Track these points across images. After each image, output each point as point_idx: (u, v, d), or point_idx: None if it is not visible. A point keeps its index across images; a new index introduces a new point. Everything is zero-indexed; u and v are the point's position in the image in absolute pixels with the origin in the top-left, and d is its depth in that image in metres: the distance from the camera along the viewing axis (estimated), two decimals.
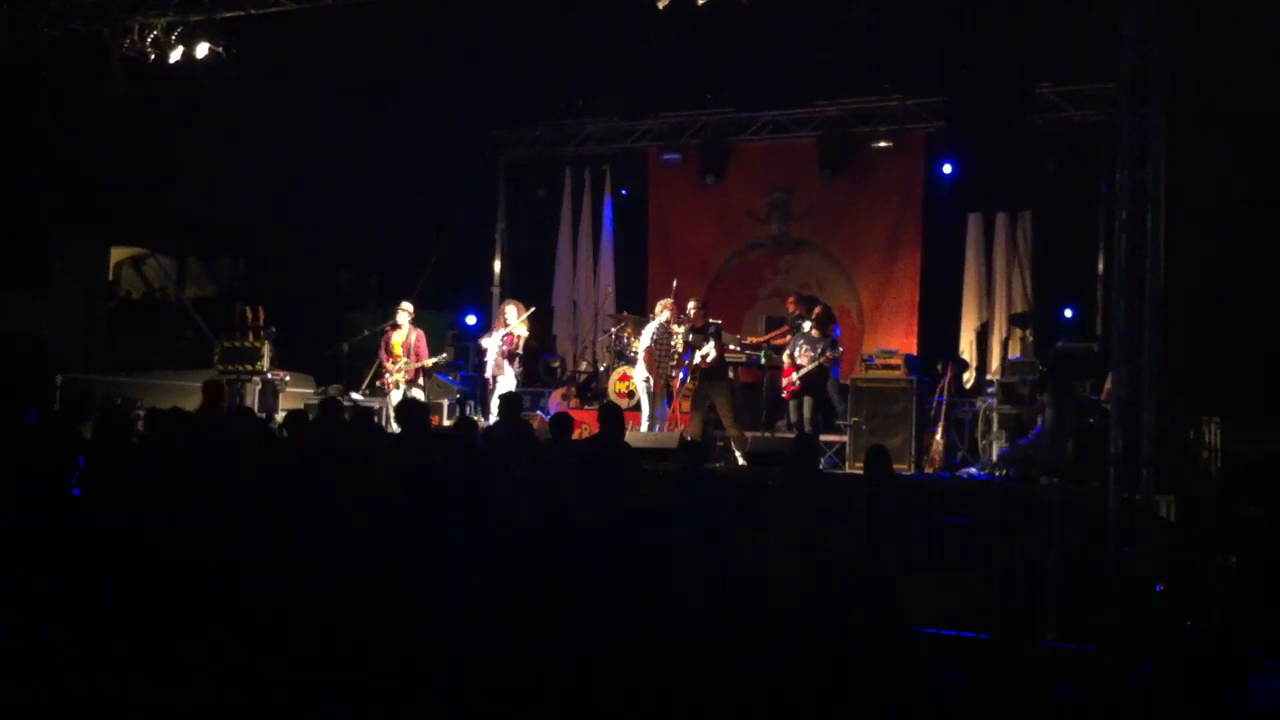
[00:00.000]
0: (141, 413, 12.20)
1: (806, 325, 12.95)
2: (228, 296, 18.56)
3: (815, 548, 8.24)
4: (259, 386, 14.10)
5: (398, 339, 13.60)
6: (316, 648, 6.96)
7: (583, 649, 7.24)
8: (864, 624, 7.76)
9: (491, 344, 13.94)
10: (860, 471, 10.09)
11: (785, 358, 12.90)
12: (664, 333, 12.84)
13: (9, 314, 15.12)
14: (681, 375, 12.79)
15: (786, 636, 7.60)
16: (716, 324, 13.01)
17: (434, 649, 7.11)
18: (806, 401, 12.65)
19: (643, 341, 13.04)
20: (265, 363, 14.13)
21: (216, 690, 6.54)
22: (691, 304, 13.08)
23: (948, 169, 15.44)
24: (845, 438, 12.83)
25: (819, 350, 12.58)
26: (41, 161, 15.13)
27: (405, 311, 13.68)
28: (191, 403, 12.20)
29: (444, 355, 14.82)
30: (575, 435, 10.02)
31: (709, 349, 12.50)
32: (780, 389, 13.12)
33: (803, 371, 12.60)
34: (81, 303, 17.01)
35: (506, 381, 13.66)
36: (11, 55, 13.93)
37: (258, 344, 14.21)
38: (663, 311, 12.99)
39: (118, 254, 19.07)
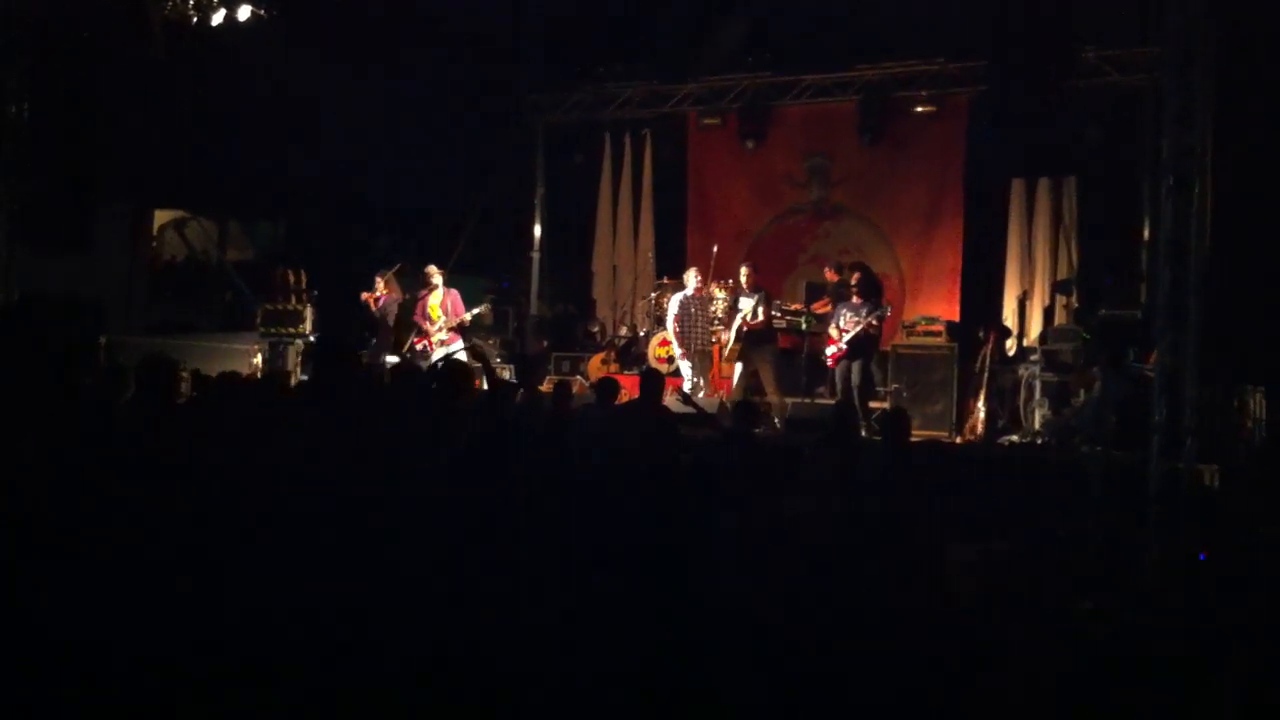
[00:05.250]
0: (185, 374, 12.28)
1: (854, 299, 12.84)
2: (268, 259, 18.66)
3: (852, 514, 8.23)
4: (301, 349, 14.20)
5: (434, 301, 13.71)
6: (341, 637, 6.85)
7: (616, 613, 7.25)
8: (902, 591, 7.75)
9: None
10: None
11: (831, 329, 12.81)
12: (690, 303, 12.83)
13: (53, 276, 15.24)
14: (729, 337, 12.79)
15: (823, 603, 7.60)
16: (764, 291, 12.99)
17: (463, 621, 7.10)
18: (855, 367, 12.55)
19: (669, 311, 13.06)
20: (307, 325, 14.23)
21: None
22: (744, 269, 13.06)
23: (989, 133, 15.29)
24: (885, 404, 12.78)
25: (863, 315, 12.52)
26: (84, 124, 15.19)
27: (436, 274, 13.80)
28: (234, 365, 12.32)
29: (484, 306, 14.82)
30: (617, 401, 10.04)
31: (756, 310, 12.49)
32: (824, 356, 13.10)
33: (848, 336, 12.51)
34: (124, 265, 17.12)
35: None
36: (54, 18, 13.97)
37: (299, 307, 14.30)
38: (690, 282, 12.99)
39: (160, 217, 19.20)
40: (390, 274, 14.88)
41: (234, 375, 9.98)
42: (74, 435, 7.74)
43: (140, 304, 17.43)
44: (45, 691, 5.92)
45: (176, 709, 5.88)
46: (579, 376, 14.82)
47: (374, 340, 14.59)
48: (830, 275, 14.47)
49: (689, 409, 10.86)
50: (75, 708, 5.83)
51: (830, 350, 12.72)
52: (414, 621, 6.90)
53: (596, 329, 16.99)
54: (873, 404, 12.89)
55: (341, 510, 7.11)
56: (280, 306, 14.36)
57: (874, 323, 12.49)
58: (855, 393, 12.45)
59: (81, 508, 7.38)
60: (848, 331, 12.51)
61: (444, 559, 7.22)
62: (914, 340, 13.33)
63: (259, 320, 14.45)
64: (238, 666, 6.38)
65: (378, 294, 14.61)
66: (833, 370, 12.84)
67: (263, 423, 7.87)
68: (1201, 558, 8.24)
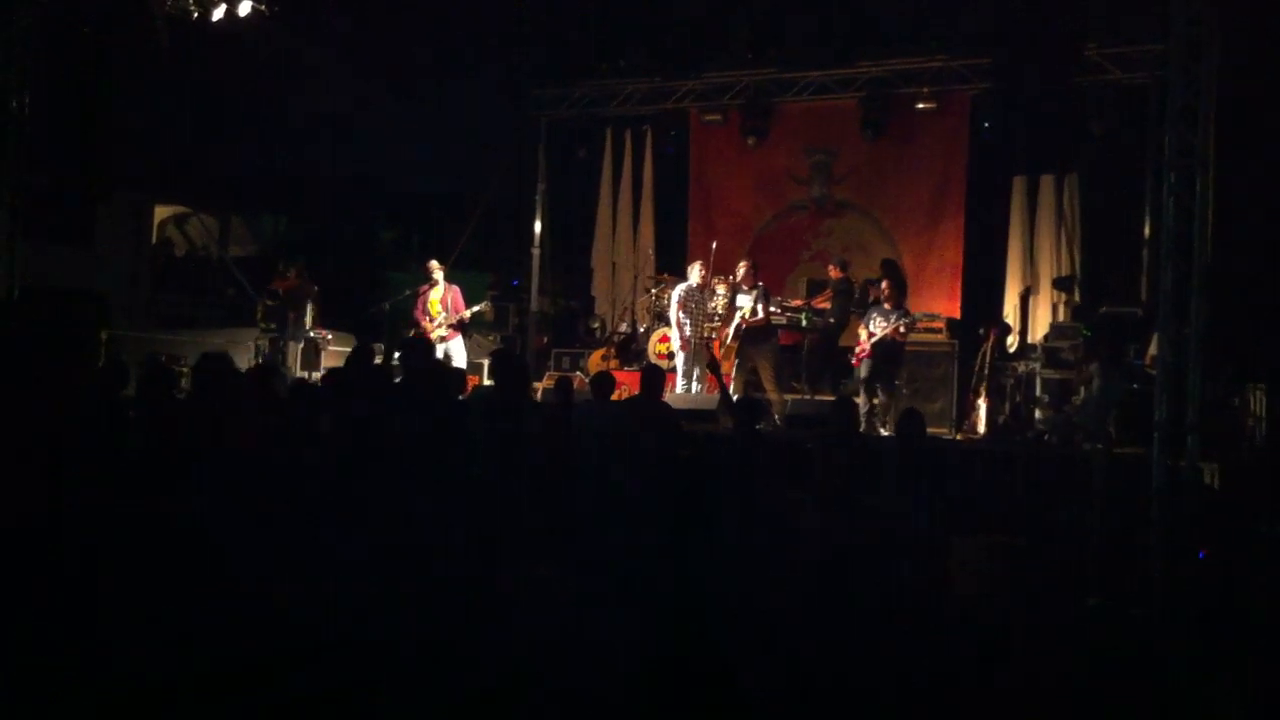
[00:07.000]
0: (185, 370, 12.31)
1: (885, 305, 12.79)
2: (271, 254, 18.67)
3: (855, 510, 8.23)
4: (301, 345, 14.20)
5: (435, 296, 13.70)
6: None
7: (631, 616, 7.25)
8: (905, 587, 7.76)
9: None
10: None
11: (861, 332, 12.74)
12: (693, 295, 12.79)
13: (55, 270, 15.25)
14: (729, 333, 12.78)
15: (827, 599, 7.60)
16: (762, 287, 12.95)
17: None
18: (883, 370, 12.53)
19: (672, 301, 13.02)
20: (308, 321, 14.21)
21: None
22: (742, 265, 13.00)
23: (991, 130, 15.29)
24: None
25: (892, 320, 12.47)
26: (86, 118, 15.19)
27: (438, 270, 13.79)
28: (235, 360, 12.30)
29: (484, 304, 14.82)
30: (615, 396, 10.03)
31: (755, 308, 12.47)
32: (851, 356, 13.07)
33: (875, 339, 12.45)
34: (126, 260, 17.13)
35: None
36: (57, 13, 13.98)
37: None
38: (693, 274, 12.96)
39: (161, 212, 19.21)
40: (302, 264, 14.89)
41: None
42: (77, 430, 7.72)
43: (143, 299, 17.44)
44: (48, 687, 5.92)
45: (178, 702, 5.89)
46: (579, 373, 14.82)
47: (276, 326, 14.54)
48: (834, 272, 14.45)
49: (687, 406, 10.87)
50: (78, 703, 5.83)
51: (857, 350, 12.72)
52: (415, 614, 6.91)
53: (597, 325, 17.00)
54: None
55: (350, 501, 7.14)
56: (281, 302, 14.34)
57: (901, 329, 12.43)
58: (879, 392, 12.43)
59: (85, 502, 7.38)
60: (876, 335, 12.47)
61: (450, 550, 7.23)
62: (914, 337, 13.31)
63: (259, 316, 14.43)
64: (238, 663, 6.39)
65: (288, 282, 14.58)
66: (856, 369, 12.80)
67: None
68: (1201, 555, 8.25)
